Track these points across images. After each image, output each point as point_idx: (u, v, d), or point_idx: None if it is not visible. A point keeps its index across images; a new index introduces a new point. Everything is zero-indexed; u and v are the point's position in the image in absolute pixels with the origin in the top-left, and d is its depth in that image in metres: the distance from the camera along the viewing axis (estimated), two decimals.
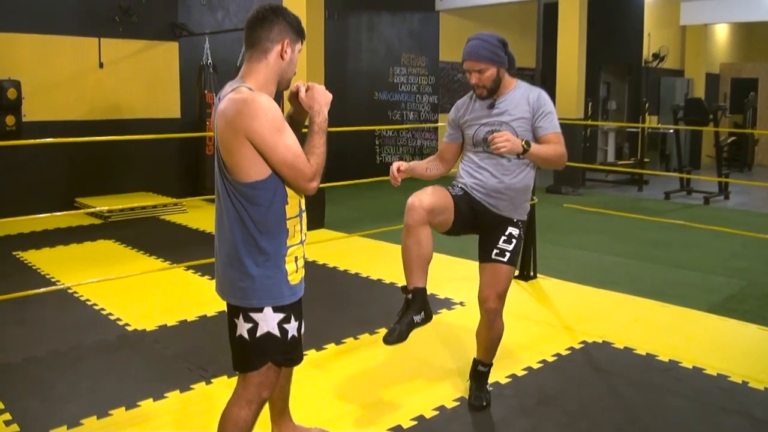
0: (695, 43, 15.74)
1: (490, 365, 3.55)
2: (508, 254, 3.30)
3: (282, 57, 2.38)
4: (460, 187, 3.37)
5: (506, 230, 3.33)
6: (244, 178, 2.28)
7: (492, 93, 3.28)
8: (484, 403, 3.50)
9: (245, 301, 2.36)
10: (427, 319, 3.17)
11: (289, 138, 2.28)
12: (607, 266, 6.45)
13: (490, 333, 3.41)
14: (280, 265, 2.37)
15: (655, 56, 14.67)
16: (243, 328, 2.39)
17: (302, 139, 2.40)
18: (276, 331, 2.39)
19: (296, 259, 2.42)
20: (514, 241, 3.33)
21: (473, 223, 3.37)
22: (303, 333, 2.59)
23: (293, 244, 2.41)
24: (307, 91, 2.46)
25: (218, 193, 2.39)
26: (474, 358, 3.57)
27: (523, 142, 3.09)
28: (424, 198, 3.13)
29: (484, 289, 3.33)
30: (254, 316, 2.37)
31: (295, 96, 2.49)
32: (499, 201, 3.31)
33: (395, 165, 3.39)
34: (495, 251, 3.30)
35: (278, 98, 2.40)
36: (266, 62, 2.37)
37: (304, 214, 2.48)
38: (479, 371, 3.55)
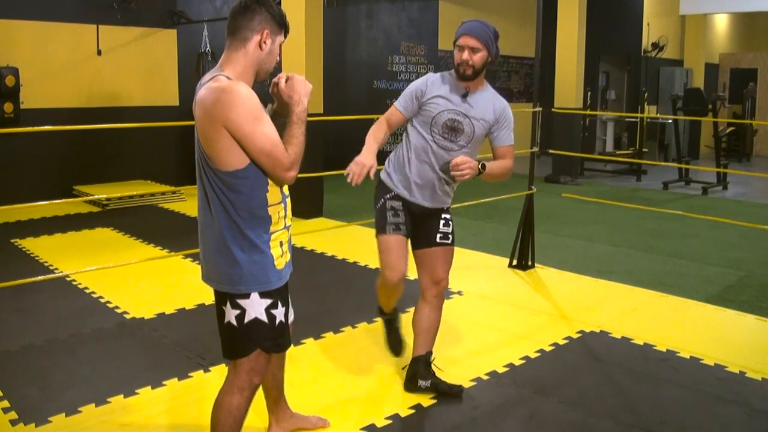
0: (695, 32, 15.70)
1: (432, 353, 3.56)
2: (450, 236, 3.51)
3: (261, 47, 2.37)
4: (396, 197, 3.44)
5: (441, 216, 3.50)
6: (224, 166, 2.28)
7: (476, 75, 3.31)
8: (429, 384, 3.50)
9: (232, 286, 2.38)
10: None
11: (267, 127, 2.27)
12: (605, 256, 6.46)
13: (439, 313, 3.54)
14: (265, 250, 2.38)
15: (655, 46, 14.63)
16: (231, 314, 2.40)
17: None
18: (264, 317, 2.40)
19: (281, 244, 2.43)
20: (450, 224, 3.54)
21: (415, 224, 3.50)
22: (292, 321, 2.61)
23: (277, 230, 2.41)
24: (286, 81, 2.45)
25: (200, 182, 2.40)
26: (419, 356, 3.49)
27: (480, 165, 3.23)
28: (399, 269, 3.39)
29: (435, 270, 3.46)
30: (241, 302, 2.38)
31: (276, 89, 2.48)
32: (435, 195, 3.44)
33: (370, 169, 3.08)
34: (439, 236, 3.48)
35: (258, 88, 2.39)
36: (245, 51, 2.36)
37: (288, 200, 2.49)
38: (430, 363, 3.53)
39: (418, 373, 3.48)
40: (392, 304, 3.70)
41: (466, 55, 3.25)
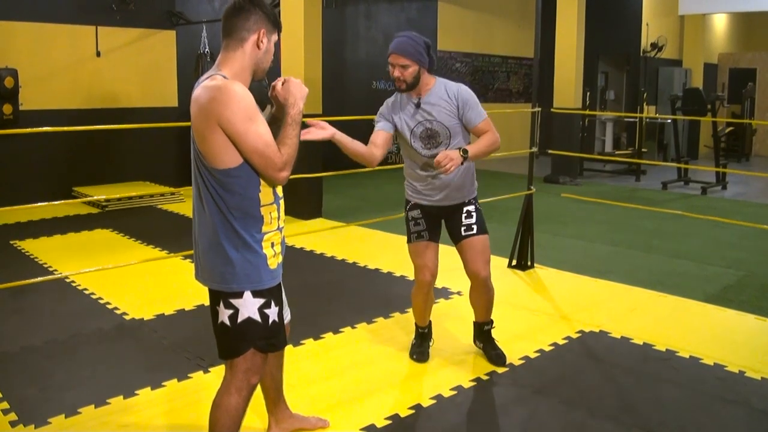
0: (694, 32, 15.71)
1: (492, 322, 3.94)
2: (475, 227, 3.69)
3: (258, 46, 2.41)
4: (414, 206, 3.72)
5: (462, 210, 3.70)
6: (218, 164, 2.29)
7: (411, 88, 3.48)
8: (506, 359, 3.88)
9: (225, 285, 2.38)
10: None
11: (261, 127, 2.29)
12: (604, 256, 6.46)
13: (487, 295, 3.83)
14: (258, 250, 2.38)
15: (654, 46, 14.63)
16: (224, 314, 2.41)
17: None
18: (257, 317, 2.41)
19: (273, 245, 2.44)
20: (474, 214, 3.71)
21: (440, 223, 3.78)
22: (288, 321, 2.61)
23: (269, 231, 2.42)
24: (283, 84, 2.47)
25: (195, 180, 2.41)
26: (475, 322, 3.97)
27: (461, 152, 3.35)
28: (428, 267, 3.70)
29: (470, 264, 3.70)
30: (234, 302, 2.39)
31: (274, 92, 2.50)
32: (451, 193, 3.64)
33: (318, 127, 2.99)
34: (462, 229, 3.69)
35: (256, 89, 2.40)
36: (242, 51, 2.39)
37: (282, 202, 2.50)
38: (486, 331, 3.94)
39: (475, 335, 4.02)
40: (426, 316, 3.96)
41: (397, 72, 3.45)
